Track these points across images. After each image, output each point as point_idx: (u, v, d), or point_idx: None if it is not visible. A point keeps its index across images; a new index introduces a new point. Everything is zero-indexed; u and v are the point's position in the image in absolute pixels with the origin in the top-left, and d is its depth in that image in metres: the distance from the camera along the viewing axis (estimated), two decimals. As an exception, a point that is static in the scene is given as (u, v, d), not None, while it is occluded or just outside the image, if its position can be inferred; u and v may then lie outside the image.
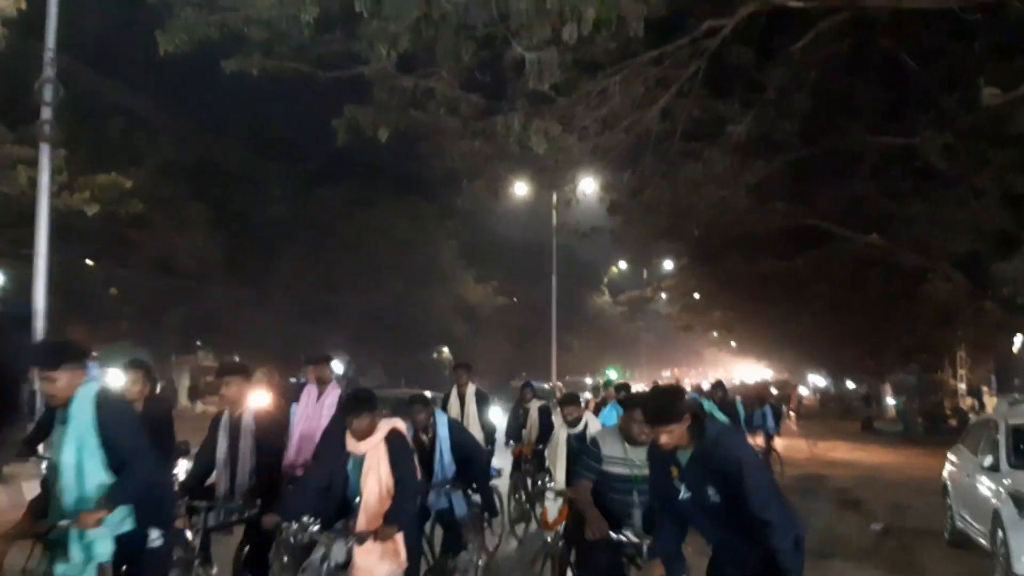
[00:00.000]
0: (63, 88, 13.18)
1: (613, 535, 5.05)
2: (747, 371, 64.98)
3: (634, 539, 5.06)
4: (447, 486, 6.75)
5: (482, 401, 9.86)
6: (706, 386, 17.16)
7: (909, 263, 18.66)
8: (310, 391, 7.63)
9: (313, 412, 7.44)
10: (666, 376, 64.46)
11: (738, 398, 16.36)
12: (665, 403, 4.12)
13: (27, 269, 14.21)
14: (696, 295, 37.93)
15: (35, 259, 13.66)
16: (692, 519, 4.24)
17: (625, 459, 5.38)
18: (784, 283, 23.26)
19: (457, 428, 7.30)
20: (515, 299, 53.01)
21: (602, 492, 5.39)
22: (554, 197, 21.82)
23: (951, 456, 10.96)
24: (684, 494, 4.13)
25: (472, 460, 7.07)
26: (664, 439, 4.01)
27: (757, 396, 18.01)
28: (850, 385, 50.09)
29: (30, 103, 13.84)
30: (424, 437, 6.96)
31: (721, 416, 9.47)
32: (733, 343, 59.57)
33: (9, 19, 15.45)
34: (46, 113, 13.10)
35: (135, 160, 25.58)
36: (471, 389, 9.85)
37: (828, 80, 13.57)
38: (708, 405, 9.09)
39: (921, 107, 13.84)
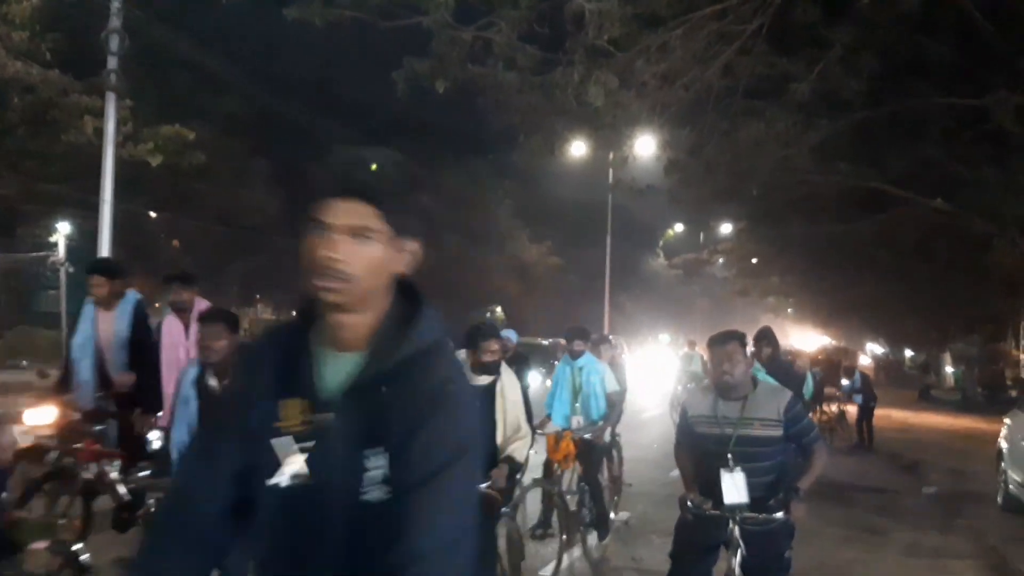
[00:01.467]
0: (128, 39, 13.45)
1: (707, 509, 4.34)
2: (804, 338, 64.06)
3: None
4: None
5: None
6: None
7: (977, 230, 18.14)
8: (170, 324, 6.19)
9: (180, 353, 6.06)
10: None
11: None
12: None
13: (93, 219, 14.56)
14: (754, 259, 37.47)
15: (100, 207, 14.01)
16: (275, 538, 1.72)
17: (715, 417, 4.48)
18: (846, 248, 22.83)
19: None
20: (569, 259, 52.97)
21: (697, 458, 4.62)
22: (611, 156, 21.64)
23: (1007, 421, 10.82)
24: (286, 476, 1.67)
25: None
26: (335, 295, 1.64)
27: (842, 365, 18.16)
28: (908, 353, 49.21)
29: (97, 54, 14.14)
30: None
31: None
32: (790, 310, 58.78)
33: (76, -30, 15.77)
34: (112, 63, 13.40)
35: (199, 114, 25.98)
36: None
37: (898, 38, 13.16)
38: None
39: (994, 69, 13.38)
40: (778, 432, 4.34)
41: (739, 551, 4.25)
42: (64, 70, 17.68)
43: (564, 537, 6.97)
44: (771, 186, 17.39)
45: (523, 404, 5.44)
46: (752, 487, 4.28)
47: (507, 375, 5.32)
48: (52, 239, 33.72)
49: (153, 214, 31.04)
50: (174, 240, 35.02)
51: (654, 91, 11.99)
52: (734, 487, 4.25)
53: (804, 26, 12.41)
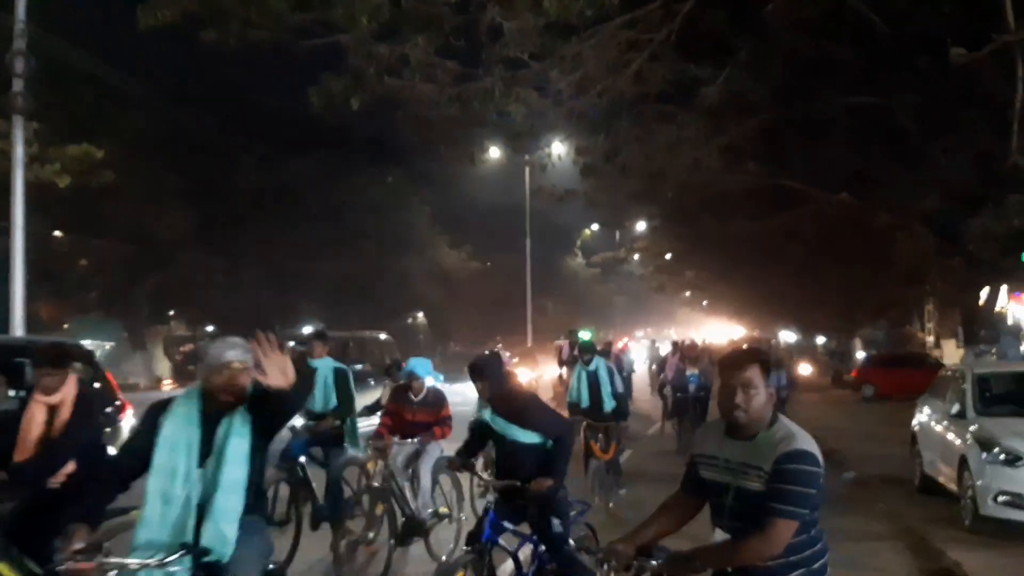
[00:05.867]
0: (34, 60, 13.10)
1: None
2: (718, 330, 65.76)
3: None
4: None
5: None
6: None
7: (880, 222, 18.95)
8: None
9: None
10: (639, 336, 65.02)
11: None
12: None
13: (-4, 242, 14.19)
14: (668, 256, 38.28)
15: (12, 231, 13.62)
16: None
17: (717, 459, 3.19)
18: (756, 243, 23.51)
19: None
20: (488, 263, 53.12)
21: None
22: (527, 164, 21.92)
23: (920, 406, 11.31)
24: None
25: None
26: None
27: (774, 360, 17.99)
28: (820, 340, 50.74)
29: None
30: None
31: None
32: (704, 303, 60.24)
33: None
34: (17, 85, 13.04)
35: (108, 132, 25.19)
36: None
37: (801, 43, 13.65)
38: None
39: (894, 69, 13.98)
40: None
41: None
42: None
43: None
44: (683, 186, 17.84)
45: None
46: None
47: None
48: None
49: (59, 233, 30.06)
50: (81, 260, 33.95)
51: (569, 99, 12.26)
52: None
53: (711, 32, 12.84)
